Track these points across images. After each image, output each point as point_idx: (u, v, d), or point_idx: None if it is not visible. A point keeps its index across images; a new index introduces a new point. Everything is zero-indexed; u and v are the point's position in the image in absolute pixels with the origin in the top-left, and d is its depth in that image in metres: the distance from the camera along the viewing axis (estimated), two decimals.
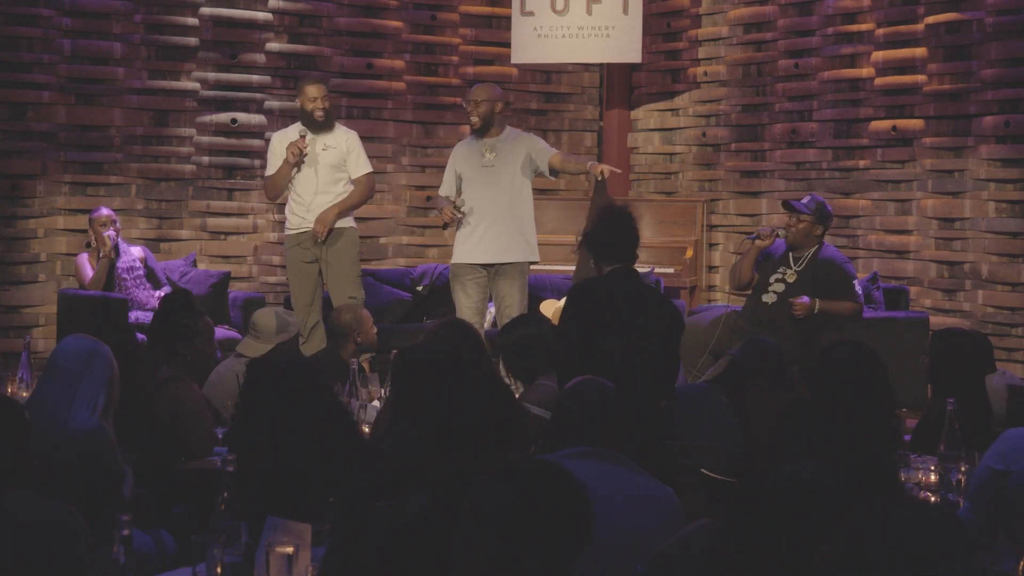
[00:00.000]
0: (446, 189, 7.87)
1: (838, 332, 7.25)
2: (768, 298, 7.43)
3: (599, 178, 7.40)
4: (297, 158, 7.76)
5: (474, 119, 7.65)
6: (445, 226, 7.91)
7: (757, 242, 7.55)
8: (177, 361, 5.34)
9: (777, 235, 7.56)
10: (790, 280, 7.41)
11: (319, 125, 7.86)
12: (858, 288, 7.47)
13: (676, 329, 5.67)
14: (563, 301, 5.86)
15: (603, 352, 5.34)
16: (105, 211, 8.48)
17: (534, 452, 4.31)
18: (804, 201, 7.51)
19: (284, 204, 8.24)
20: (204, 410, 5.26)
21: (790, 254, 7.49)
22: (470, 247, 7.64)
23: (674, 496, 3.68)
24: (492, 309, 7.93)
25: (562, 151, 8.06)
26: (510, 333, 5.73)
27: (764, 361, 5.03)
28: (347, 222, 7.94)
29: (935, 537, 2.17)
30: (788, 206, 7.58)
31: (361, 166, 8.00)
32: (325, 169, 7.87)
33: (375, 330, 6.60)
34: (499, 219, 7.62)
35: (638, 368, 5.29)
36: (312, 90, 7.90)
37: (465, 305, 7.62)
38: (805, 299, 7.26)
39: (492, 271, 7.62)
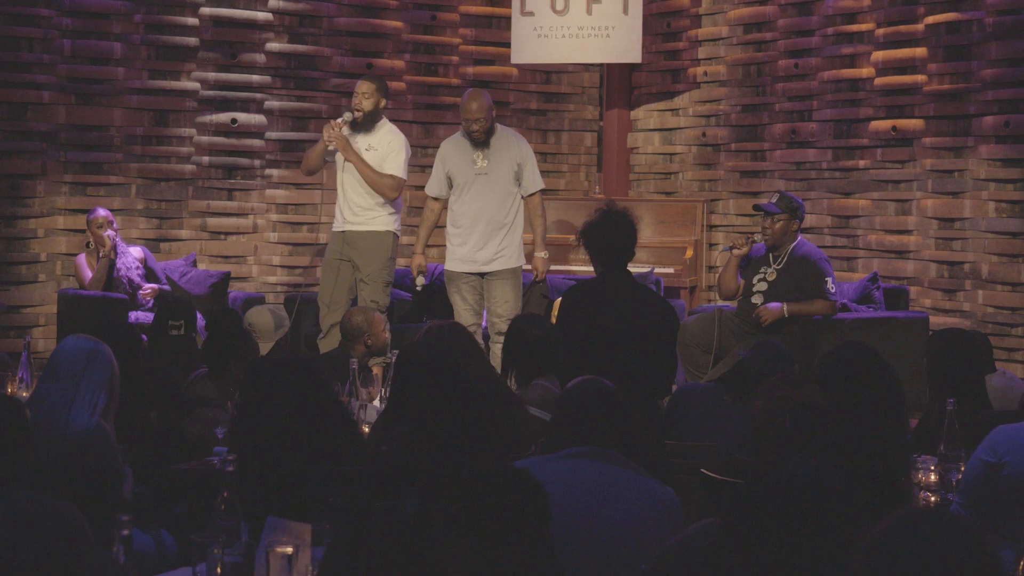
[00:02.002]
0: (435, 188, 7.88)
1: (836, 332, 7.26)
2: (756, 299, 7.50)
3: (535, 278, 7.79)
4: (331, 137, 7.66)
5: (478, 135, 7.63)
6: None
7: (735, 251, 7.60)
8: (227, 379, 5.37)
9: (754, 241, 7.58)
10: (771, 279, 7.47)
11: (356, 122, 7.75)
12: (832, 286, 7.45)
13: (671, 326, 5.68)
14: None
15: (600, 353, 5.34)
16: (102, 212, 8.48)
17: (533, 452, 4.31)
18: (774, 201, 7.55)
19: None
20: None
21: (770, 254, 7.54)
22: (463, 255, 7.73)
23: (674, 496, 3.68)
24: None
25: (540, 210, 7.85)
26: (513, 330, 5.73)
27: (774, 363, 5.03)
28: (382, 224, 7.80)
29: (958, 552, 2.16)
30: (759, 208, 7.62)
31: (392, 167, 7.78)
32: (355, 170, 7.76)
33: (387, 334, 6.59)
34: (491, 228, 7.68)
35: (635, 368, 5.29)
36: (359, 84, 7.84)
37: (462, 308, 7.69)
38: (773, 305, 7.31)
39: (486, 275, 7.69)
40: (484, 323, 7.88)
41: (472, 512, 2.56)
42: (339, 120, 7.74)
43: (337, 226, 7.87)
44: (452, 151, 7.80)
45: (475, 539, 2.54)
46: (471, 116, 7.63)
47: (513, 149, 7.72)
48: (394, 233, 7.85)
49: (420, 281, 7.91)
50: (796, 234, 7.54)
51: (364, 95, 7.73)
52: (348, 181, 7.78)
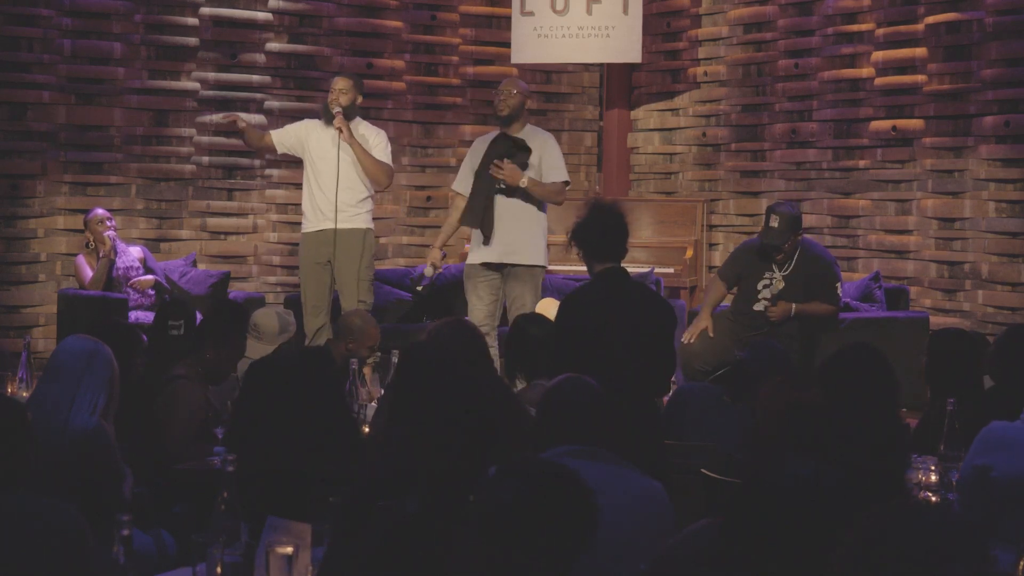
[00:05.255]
0: (461, 184, 7.64)
1: (836, 332, 7.23)
2: (760, 307, 7.24)
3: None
4: (340, 124, 7.58)
5: (503, 109, 7.44)
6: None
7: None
8: (203, 360, 5.35)
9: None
10: (779, 286, 7.24)
11: (332, 118, 7.67)
12: (840, 291, 7.33)
13: (669, 324, 5.64)
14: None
15: (599, 352, 5.33)
16: (101, 211, 8.48)
17: None
18: (776, 226, 7.17)
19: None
20: (195, 415, 5.20)
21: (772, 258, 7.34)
22: (483, 248, 7.47)
23: (661, 490, 3.66)
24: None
25: (551, 194, 7.48)
26: (515, 329, 5.72)
27: (772, 364, 5.03)
28: (362, 222, 7.75)
29: (947, 543, 2.17)
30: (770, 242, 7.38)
31: (384, 157, 7.77)
32: (347, 166, 7.67)
33: (371, 343, 6.45)
34: (510, 221, 7.42)
35: (634, 369, 5.29)
36: (337, 81, 7.78)
37: (477, 307, 7.45)
38: (782, 304, 7.17)
39: (504, 272, 7.48)
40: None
41: (517, 511, 2.52)
42: (337, 114, 7.65)
43: (311, 226, 7.76)
44: (480, 146, 7.60)
45: (488, 537, 2.51)
46: (499, 88, 7.58)
47: (536, 147, 7.44)
48: (372, 230, 7.85)
49: (429, 271, 7.73)
50: (799, 242, 7.35)
51: (341, 91, 7.70)
52: (329, 180, 7.68)
